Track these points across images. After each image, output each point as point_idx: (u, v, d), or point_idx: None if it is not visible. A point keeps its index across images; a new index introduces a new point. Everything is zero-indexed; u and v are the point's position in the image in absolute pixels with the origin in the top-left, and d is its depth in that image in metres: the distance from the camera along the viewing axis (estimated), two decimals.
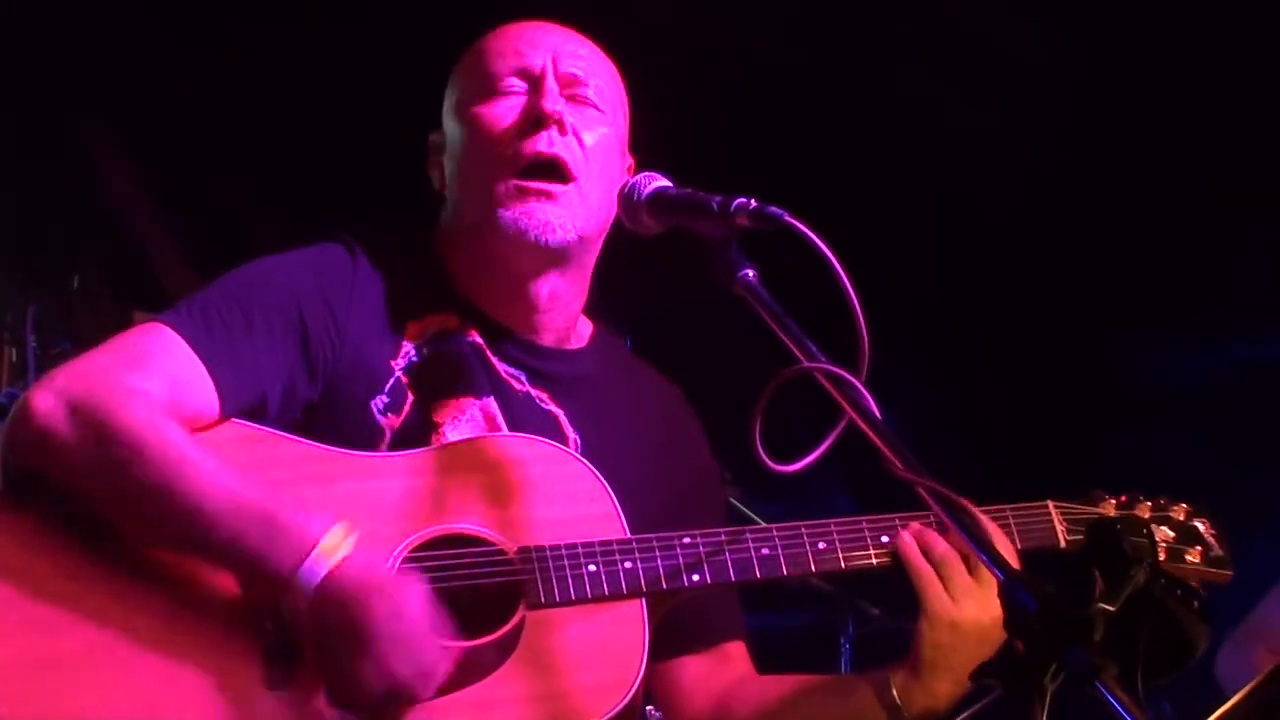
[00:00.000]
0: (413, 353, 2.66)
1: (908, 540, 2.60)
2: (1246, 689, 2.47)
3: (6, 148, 4.96)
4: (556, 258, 2.69)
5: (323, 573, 2.35)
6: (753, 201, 2.37)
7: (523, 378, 2.73)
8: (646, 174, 2.61)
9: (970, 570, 2.56)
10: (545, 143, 2.66)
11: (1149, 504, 2.83)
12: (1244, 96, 4.75)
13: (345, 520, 2.41)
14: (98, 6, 4.92)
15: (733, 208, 2.38)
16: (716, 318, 2.60)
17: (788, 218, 2.32)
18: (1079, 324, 5.13)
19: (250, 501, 2.39)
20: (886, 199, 4.97)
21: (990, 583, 2.52)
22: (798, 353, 2.26)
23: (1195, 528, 2.81)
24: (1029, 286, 5.12)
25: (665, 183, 2.58)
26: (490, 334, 2.72)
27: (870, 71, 4.88)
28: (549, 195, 2.65)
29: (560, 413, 2.74)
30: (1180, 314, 5.00)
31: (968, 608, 2.54)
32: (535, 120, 2.65)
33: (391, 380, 2.63)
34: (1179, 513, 2.83)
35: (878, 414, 2.18)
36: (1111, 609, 1.90)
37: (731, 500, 3.98)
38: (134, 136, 5.06)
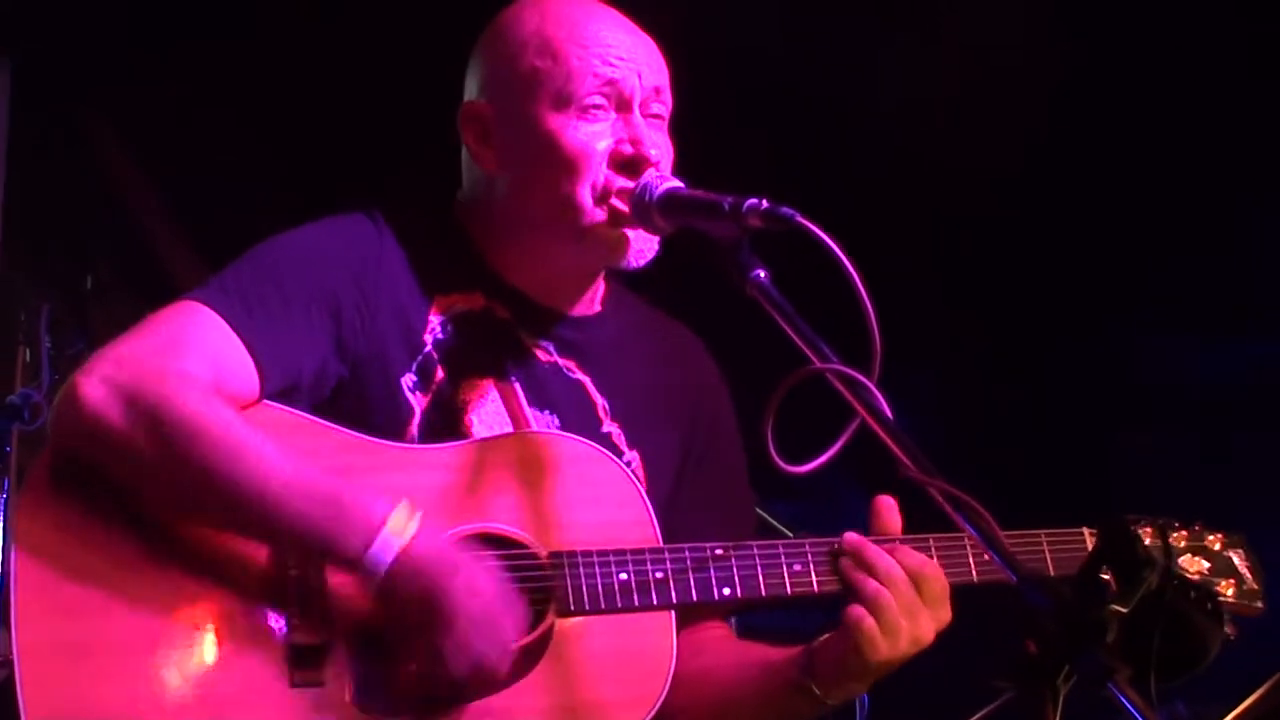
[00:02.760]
0: (438, 329, 2.65)
1: (849, 565, 2.54)
2: (1261, 690, 2.46)
3: (19, 146, 4.97)
4: None
5: (394, 551, 2.37)
6: (764, 202, 2.36)
7: (551, 348, 2.73)
8: (658, 174, 2.61)
9: (920, 590, 2.51)
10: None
11: (1184, 532, 2.76)
12: (1253, 85, 4.73)
13: (407, 501, 2.42)
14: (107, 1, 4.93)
15: (744, 208, 2.37)
16: (728, 318, 2.59)
17: (800, 218, 2.31)
18: (1090, 323, 5.11)
19: (314, 483, 2.41)
20: (895, 201, 4.96)
21: (937, 600, 2.52)
22: (810, 354, 2.26)
23: (1230, 559, 2.76)
24: (1039, 285, 5.10)
25: (677, 183, 2.58)
26: (519, 307, 2.71)
27: (869, 70, 4.87)
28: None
29: (587, 379, 2.74)
30: (1193, 311, 4.99)
31: (901, 644, 2.49)
32: (633, 162, 2.62)
33: (420, 357, 2.63)
34: (1214, 542, 2.77)
35: (889, 415, 2.18)
36: (1125, 610, 1.90)
37: None
38: (146, 133, 5.07)
